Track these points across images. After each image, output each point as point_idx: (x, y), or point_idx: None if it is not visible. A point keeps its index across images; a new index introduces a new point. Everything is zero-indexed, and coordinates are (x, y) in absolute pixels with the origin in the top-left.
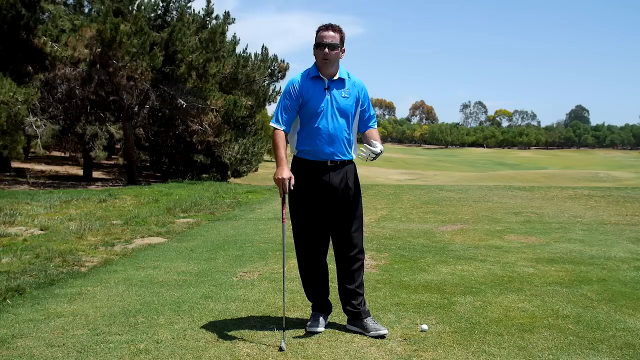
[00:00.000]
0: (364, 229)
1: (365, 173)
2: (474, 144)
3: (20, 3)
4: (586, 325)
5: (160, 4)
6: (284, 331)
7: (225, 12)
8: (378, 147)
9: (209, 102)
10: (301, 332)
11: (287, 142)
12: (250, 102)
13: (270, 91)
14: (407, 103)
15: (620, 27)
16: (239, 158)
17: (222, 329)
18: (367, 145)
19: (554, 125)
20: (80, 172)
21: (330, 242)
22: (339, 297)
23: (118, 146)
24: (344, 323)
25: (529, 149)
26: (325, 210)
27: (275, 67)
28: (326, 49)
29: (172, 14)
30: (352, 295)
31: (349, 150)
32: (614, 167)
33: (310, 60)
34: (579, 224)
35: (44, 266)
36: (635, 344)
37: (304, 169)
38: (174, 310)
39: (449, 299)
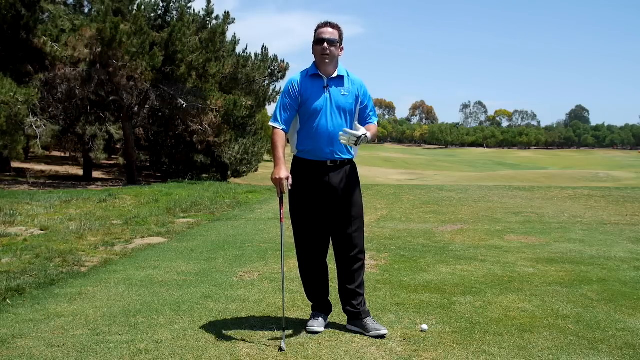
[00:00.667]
0: (364, 229)
1: (365, 173)
2: (474, 144)
3: (20, 3)
4: (586, 325)
5: (161, 4)
6: (283, 331)
7: (225, 12)
8: (361, 131)
9: (209, 102)
10: (301, 332)
11: (286, 141)
12: (250, 102)
13: (270, 91)
14: (407, 103)
15: (620, 27)
16: (239, 158)
17: (222, 329)
18: (347, 129)
19: (554, 125)
20: (80, 172)
21: (331, 242)
22: (339, 297)
23: (118, 146)
24: (344, 323)
25: (529, 149)
26: (325, 210)
27: (275, 67)
28: (325, 44)
29: (172, 14)
30: (352, 296)
31: (349, 149)
32: (614, 167)
33: (310, 60)
34: (579, 224)
35: (44, 266)
36: (635, 344)
37: (304, 168)
38: (174, 310)
39: (449, 299)
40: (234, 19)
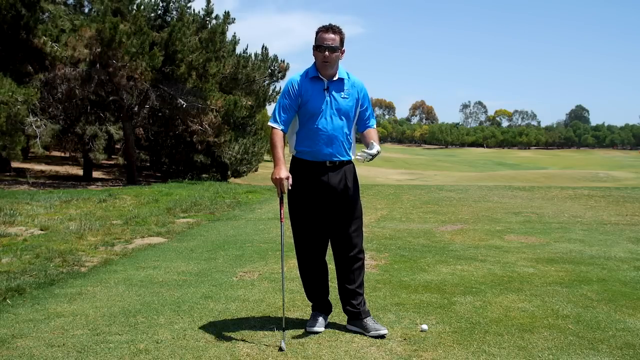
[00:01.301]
0: (364, 229)
1: (365, 173)
2: (474, 144)
3: (20, 3)
4: (586, 325)
5: (160, 4)
6: (283, 331)
7: (225, 12)
8: (374, 148)
9: (209, 102)
10: (301, 332)
11: (285, 142)
12: (250, 102)
13: (270, 91)
14: (407, 103)
15: (620, 27)
16: (239, 158)
17: (222, 329)
18: (364, 150)
19: (554, 125)
20: (80, 172)
21: (330, 243)
22: (339, 297)
23: (118, 146)
24: (344, 323)
25: (529, 149)
26: (324, 210)
27: (275, 67)
28: (326, 52)
29: (172, 14)
30: (352, 296)
31: (348, 151)
32: (614, 167)
33: (310, 60)
34: (579, 224)
35: (44, 266)
36: (635, 344)
37: (302, 169)
38: (174, 310)
39: (449, 299)
40: (234, 19)
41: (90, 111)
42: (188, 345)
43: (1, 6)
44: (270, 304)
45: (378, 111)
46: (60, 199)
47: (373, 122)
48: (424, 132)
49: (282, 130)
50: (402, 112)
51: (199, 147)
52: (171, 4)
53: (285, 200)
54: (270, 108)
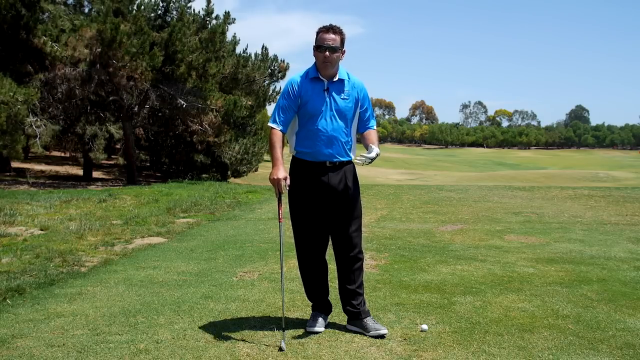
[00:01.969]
0: (363, 229)
1: (365, 173)
2: (474, 144)
3: (20, 3)
4: (586, 325)
5: (160, 4)
6: (283, 331)
7: (225, 12)
8: (373, 151)
9: (209, 102)
10: (301, 332)
11: (283, 142)
12: (250, 102)
13: (270, 91)
14: (407, 103)
15: (620, 27)
16: (239, 158)
17: (222, 329)
18: (363, 153)
19: (554, 125)
20: (80, 172)
21: (330, 243)
22: (339, 297)
23: (118, 146)
24: (344, 323)
25: (529, 149)
26: (324, 210)
27: (275, 67)
28: (327, 52)
29: (172, 14)
30: (352, 296)
31: (348, 151)
32: (614, 167)
33: (310, 60)
34: (579, 224)
35: (44, 266)
36: (635, 344)
37: (302, 169)
38: (174, 310)
39: (449, 299)
40: (234, 19)
41: (90, 111)
42: (188, 345)
43: (1, 6)
44: (270, 304)
45: (378, 111)
46: (60, 199)
47: (373, 122)
48: (424, 132)
49: (281, 130)
50: (402, 112)
51: (199, 147)
52: (171, 4)
53: (285, 200)
54: (270, 108)
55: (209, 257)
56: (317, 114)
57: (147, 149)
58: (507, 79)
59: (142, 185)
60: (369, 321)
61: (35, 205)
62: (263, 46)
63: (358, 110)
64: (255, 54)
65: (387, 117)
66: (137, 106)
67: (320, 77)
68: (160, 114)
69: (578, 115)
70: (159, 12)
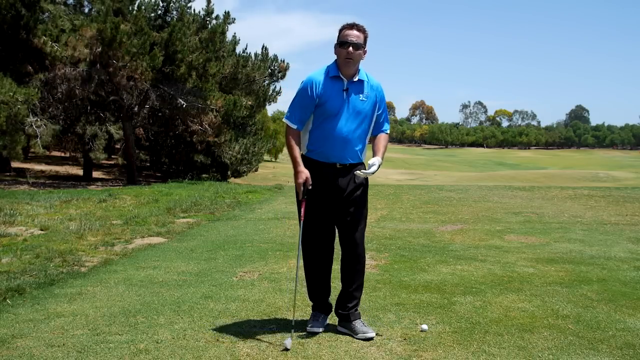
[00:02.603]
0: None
1: None
2: (473, 144)
3: (20, 3)
4: (586, 325)
5: (161, 4)
6: (292, 331)
7: (225, 12)
8: (374, 166)
9: (209, 102)
10: (301, 332)
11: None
12: (250, 102)
13: (270, 91)
14: (407, 103)
15: (620, 27)
16: (239, 158)
17: (222, 329)
18: (363, 170)
19: (554, 125)
20: (80, 172)
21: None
22: (337, 297)
23: (118, 146)
24: None
25: (529, 149)
26: (332, 210)
27: (275, 67)
28: (350, 48)
29: (172, 14)
30: (347, 298)
31: (359, 153)
32: (614, 167)
33: (310, 60)
34: (579, 224)
35: (44, 266)
36: (635, 344)
37: (312, 169)
38: (174, 310)
39: (449, 299)
40: (234, 19)
41: (90, 111)
42: (188, 345)
43: (1, 6)
44: (270, 304)
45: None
46: (60, 199)
47: (387, 126)
48: (424, 132)
49: (297, 129)
50: (402, 112)
51: (199, 147)
52: (171, 4)
53: (294, 199)
54: (270, 108)
55: (209, 257)
56: (334, 114)
57: (147, 149)
58: (507, 79)
59: (142, 185)
60: (358, 324)
61: (35, 205)
62: (263, 46)
63: (375, 113)
64: (255, 54)
65: None
66: (137, 106)
67: (341, 76)
68: (160, 114)
69: (578, 115)
70: (159, 12)
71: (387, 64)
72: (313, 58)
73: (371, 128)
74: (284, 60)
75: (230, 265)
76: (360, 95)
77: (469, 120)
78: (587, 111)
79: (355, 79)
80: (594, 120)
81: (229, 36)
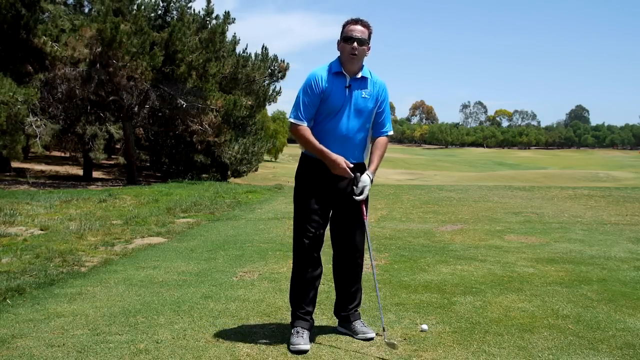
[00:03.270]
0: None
1: None
2: (473, 144)
3: (20, 3)
4: (586, 325)
5: (161, 4)
6: (384, 330)
7: (225, 12)
8: (366, 188)
9: (209, 102)
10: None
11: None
12: (250, 102)
13: (270, 91)
14: (407, 103)
15: (620, 27)
16: (239, 158)
17: (222, 329)
18: (357, 197)
19: (554, 125)
20: (80, 172)
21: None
22: (334, 299)
23: (118, 146)
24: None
25: (529, 149)
26: (329, 210)
27: (275, 67)
28: (355, 44)
29: (173, 14)
30: (348, 300)
31: (362, 153)
32: (614, 167)
33: (310, 60)
34: (579, 224)
35: (44, 266)
36: (635, 344)
37: (312, 168)
38: (174, 310)
39: (449, 299)
40: (234, 18)
41: (90, 111)
42: (188, 345)
43: (1, 6)
44: (270, 304)
45: None
46: (60, 199)
47: (389, 127)
48: (424, 132)
49: (307, 126)
50: (402, 112)
51: (199, 147)
52: (171, 4)
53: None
54: (270, 108)
55: (209, 257)
56: (335, 112)
57: (147, 149)
58: (507, 79)
59: (142, 185)
60: (358, 324)
61: (35, 205)
62: (263, 46)
63: (375, 111)
64: (255, 54)
65: None
66: (137, 106)
67: (344, 72)
68: (160, 114)
69: (578, 115)
70: (159, 12)
71: (387, 64)
72: (313, 58)
73: (371, 126)
74: (284, 60)
75: (230, 265)
76: (363, 92)
77: (469, 120)
78: (587, 111)
79: (359, 76)
80: (594, 120)
81: (229, 36)
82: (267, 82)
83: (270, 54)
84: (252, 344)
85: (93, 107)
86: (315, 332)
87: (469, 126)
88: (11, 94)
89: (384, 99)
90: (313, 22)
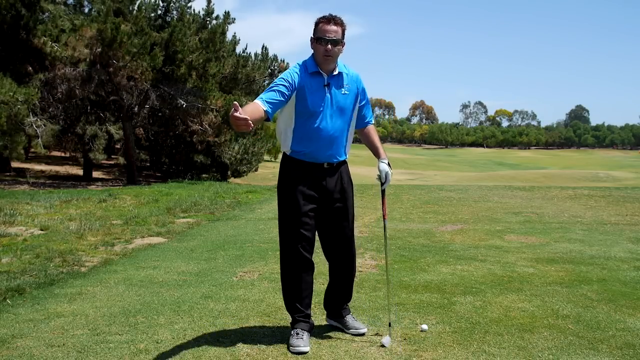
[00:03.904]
0: (363, 229)
1: (365, 173)
2: (474, 144)
3: (20, 3)
4: (586, 325)
5: (161, 4)
6: (390, 325)
7: (225, 12)
8: (388, 174)
9: (209, 102)
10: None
11: (259, 121)
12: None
13: None
14: (407, 103)
15: (620, 28)
16: (239, 158)
17: (222, 329)
18: (379, 178)
19: (554, 125)
20: (80, 172)
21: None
22: (324, 296)
23: (118, 146)
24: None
25: (529, 149)
26: (318, 211)
27: (275, 67)
28: (329, 45)
29: (173, 14)
30: (343, 297)
31: (346, 151)
32: (613, 167)
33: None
34: (579, 224)
35: (44, 266)
36: (635, 344)
37: (298, 169)
38: (174, 310)
39: (449, 299)
40: (234, 19)
41: (90, 111)
42: (188, 345)
43: (1, 6)
44: (270, 304)
45: (378, 111)
46: (60, 199)
47: (371, 116)
48: (424, 132)
49: (266, 111)
50: (402, 112)
51: (199, 147)
52: (171, 4)
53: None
54: None
55: (209, 257)
56: (317, 112)
57: (147, 149)
58: (507, 79)
59: (142, 185)
60: (349, 319)
61: (35, 205)
62: (263, 46)
63: (357, 105)
64: (255, 54)
65: (387, 117)
66: (137, 106)
67: (321, 71)
68: (160, 114)
69: (578, 115)
70: (160, 12)
71: (387, 64)
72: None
73: (354, 122)
74: (284, 60)
75: (230, 265)
76: (342, 89)
77: (469, 120)
78: (587, 111)
79: (335, 73)
80: (594, 120)
81: (229, 36)
82: (267, 82)
83: (270, 54)
84: (252, 344)
85: (93, 107)
86: (315, 332)
87: (469, 126)
88: (11, 94)
89: (362, 89)
90: (313, 22)
